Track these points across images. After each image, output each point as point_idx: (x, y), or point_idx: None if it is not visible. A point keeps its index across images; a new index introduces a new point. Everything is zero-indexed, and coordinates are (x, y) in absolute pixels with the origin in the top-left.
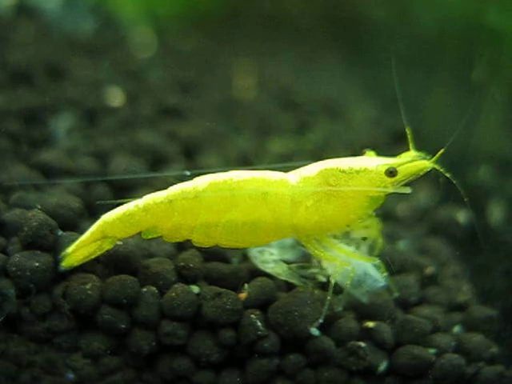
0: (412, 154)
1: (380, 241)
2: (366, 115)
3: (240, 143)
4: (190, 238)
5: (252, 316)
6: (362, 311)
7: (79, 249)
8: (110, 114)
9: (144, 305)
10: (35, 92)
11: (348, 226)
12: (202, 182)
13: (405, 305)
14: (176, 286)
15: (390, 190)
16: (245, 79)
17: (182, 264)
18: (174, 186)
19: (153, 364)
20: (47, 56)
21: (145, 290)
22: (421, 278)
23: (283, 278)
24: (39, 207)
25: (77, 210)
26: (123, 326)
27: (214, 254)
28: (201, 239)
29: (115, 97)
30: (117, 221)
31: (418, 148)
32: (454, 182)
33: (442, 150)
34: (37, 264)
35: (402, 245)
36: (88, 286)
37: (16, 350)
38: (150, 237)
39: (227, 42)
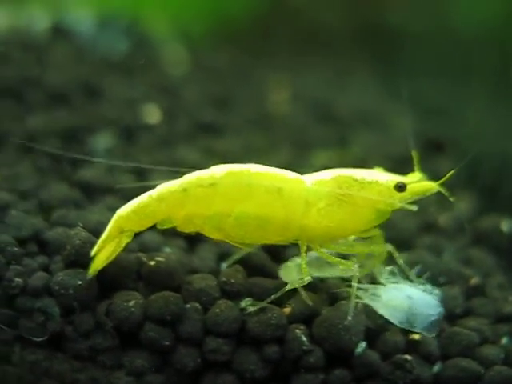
0: (417, 175)
1: (383, 255)
2: (403, 126)
3: (279, 157)
4: (202, 229)
5: (297, 331)
6: None
7: (101, 250)
8: (147, 132)
9: (188, 321)
10: (73, 112)
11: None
12: (218, 171)
13: (450, 317)
14: (220, 301)
15: (398, 204)
16: (280, 93)
17: (225, 280)
18: (190, 174)
19: (197, 381)
20: (83, 76)
21: (188, 306)
22: (466, 289)
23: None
24: (81, 225)
25: None
26: (167, 342)
27: (257, 268)
28: (212, 230)
29: (152, 114)
30: (131, 214)
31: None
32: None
33: (451, 172)
34: (80, 282)
35: (445, 256)
36: (131, 304)
37: (59, 368)
38: (165, 227)
39: (260, 57)
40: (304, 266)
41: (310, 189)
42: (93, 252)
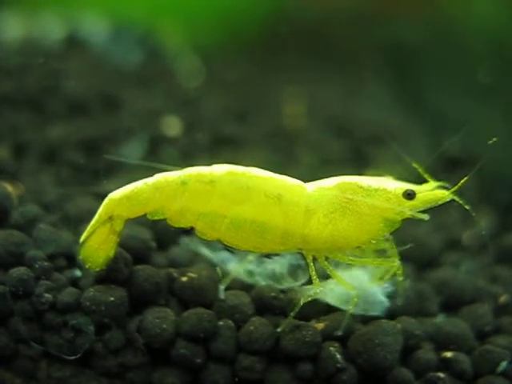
0: (432, 184)
1: (398, 266)
2: (419, 141)
3: (299, 172)
4: (194, 226)
5: (331, 348)
6: (440, 341)
7: (91, 235)
8: (169, 144)
9: (221, 338)
10: (93, 123)
11: (359, 247)
12: (220, 169)
13: (480, 334)
14: (254, 318)
15: (407, 212)
16: (295, 107)
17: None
18: (191, 167)
19: None
20: (101, 87)
21: (221, 323)
22: (495, 307)
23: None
24: None
25: (147, 241)
26: (199, 360)
27: None
28: (205, 229)
29: (173, 126)
30: (124, 198)
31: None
32: (473, 214)
33: (463, 180)
34: (112, 298)
35: (471, 273)
36: (163, 320)
37: None
38: (155, 218)
39: (273, 69)
40: (314, 277)
41: (311, 196)
42: (82, 238)
